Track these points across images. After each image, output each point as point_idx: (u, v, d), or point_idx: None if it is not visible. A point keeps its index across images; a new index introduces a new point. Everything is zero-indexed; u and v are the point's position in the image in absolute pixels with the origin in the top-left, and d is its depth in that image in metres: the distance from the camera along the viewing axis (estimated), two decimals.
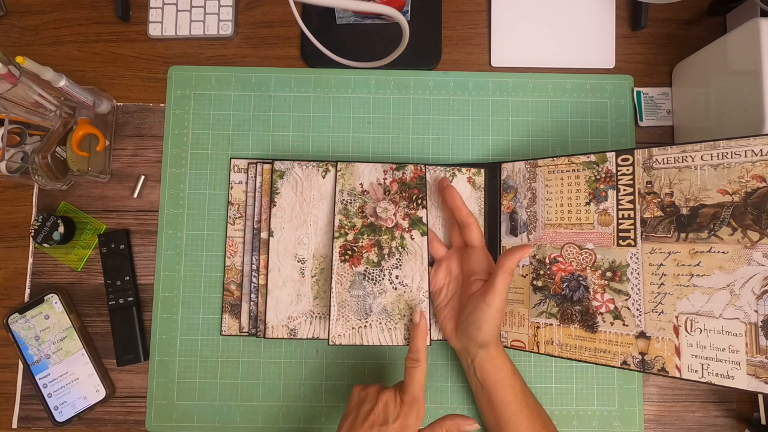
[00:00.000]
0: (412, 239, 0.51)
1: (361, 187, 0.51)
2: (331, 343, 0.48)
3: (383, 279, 0.50)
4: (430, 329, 0.51)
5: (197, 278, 0.54)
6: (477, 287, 0.47)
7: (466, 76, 0.57)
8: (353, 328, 0.49)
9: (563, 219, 0.49)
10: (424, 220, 0.51)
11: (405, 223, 0.51)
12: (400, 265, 0.50)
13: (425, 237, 0.51)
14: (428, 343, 0.48)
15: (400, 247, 0.50)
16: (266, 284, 0.51)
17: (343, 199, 0.51)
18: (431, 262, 0.52)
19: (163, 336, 0.53)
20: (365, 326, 0.49)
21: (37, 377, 0.51)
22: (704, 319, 0.40)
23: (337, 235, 0.50)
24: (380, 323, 0.49)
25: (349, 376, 0.53)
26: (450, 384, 0.53)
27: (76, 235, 0.54)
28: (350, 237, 0.50)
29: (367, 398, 0.44)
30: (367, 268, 0.50)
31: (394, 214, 0.51)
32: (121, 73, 0.58)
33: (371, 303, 0.50)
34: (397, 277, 0.50)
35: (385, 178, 0.52)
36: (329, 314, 0.49)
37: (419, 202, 0.51)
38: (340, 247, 0.50)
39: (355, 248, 0.50)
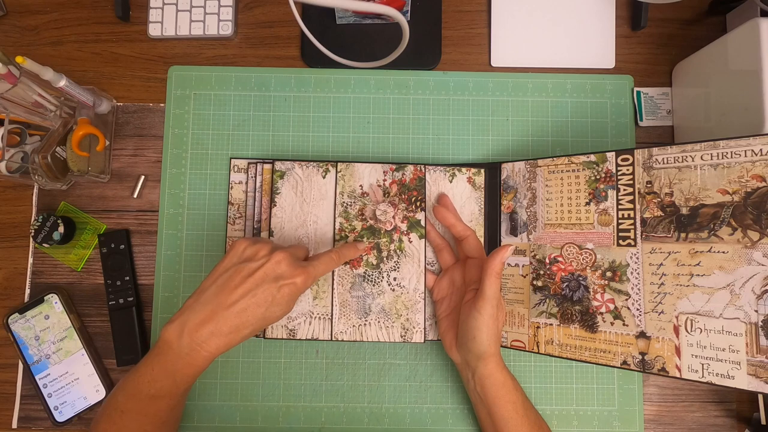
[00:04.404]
0: (410, 242, 0.51)
1: (361, 189, 0.52)
2: (333, 339, 0.50)
3: (382, 281, 0.51)
4: (426, 330, 0.51)
5: (197, 278, 0.54)
6: (471, 296, 0.47)
7: (466, 76, 0.57)
8: (354, 326, 0.50)
9: (563, 219, 0.49)
10: (422, 222, 0.51)
11: (403, 226, 0.51)
12: (398, 268, 0.51)
13: (423, 240, 0.51)
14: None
15: (398, 250, 0.51)
16: None
17: (344, 202, 0.51)
18: (435, 274, 0.52)
19: None
20: (365, 324, 0.50)
21: (37, 377, 0.51)
22: (704, 319, 0.40)
23: (337, 238, 0.51)
24: (378, 322, 0.50)
25: (349, 375, 0.53)
26: (450, 384, 0.53)
27: (76, 235, 0.54)
28: (350, 240, 0.51)
29: (256, 256, 0.41)
30: (366, 270, 0.51)
31: (393, 217, 0.51)
32: (121, 73, 0.58)
33: (370, 303, 0.51)
34: (395, 279, 0.51)
35: (384, 179, 0.52)
36: (332, 313, 0.50)
37: (418, 204, 0.52)
38: None
39: None
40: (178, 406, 0.43)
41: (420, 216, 0.52)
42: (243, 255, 0.42)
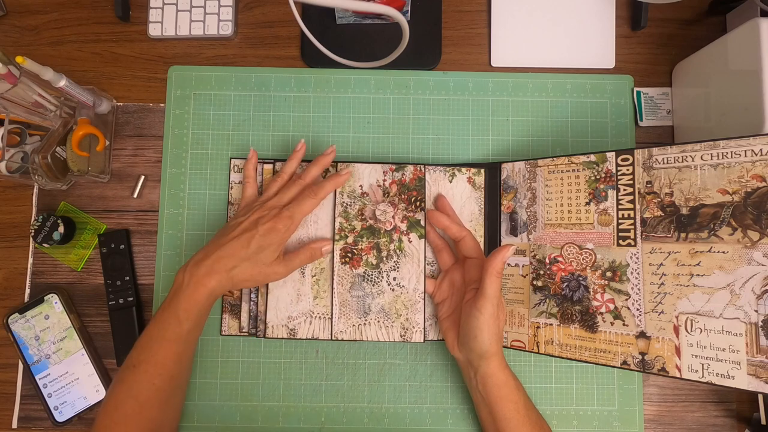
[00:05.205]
0: (410, 242, 0.51)
1: (361, 189, 0.52)
2: (333, 338, 0.50)
3: (381, 281, 0.51)
4: (425, 330, 0.51)
5: None
6: (471, 295, 0.47)
7: (466, 76, 0.57)
8: (353, 325, 0.51)
9: (563, 219, 0.49)
10: (422, 222, 0.51)
11: (403, 226, 0.51)
12: (398, 268, 0.51)
13: (423, 240, 0.51)
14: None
15: (398, 250, 0.51)
16: (266, 284, 0.51)
17: (343, 202, 0.51)
18: (434, 273, 0.52)
19: None
20: (364, 324, 0.51)
21: (37, 377, 0.51)
22: (704, 319, 0.40)
23: (337, 238, 0.51)
24: (378, 321, 0.51)
25: (349, 375, 0.53)
26: (450, 384, 0.53)
27: (76, 235, 0.54)
28: (350, 240, 0.51)
29: (246, 210, 0.48)
30: (366, 270, 0.51)
31: (393, 217, 0.51)
32: (121, 73, 0.58)
33: (370, 303, 0.51)
34: (394, 279, 0.51)
35: (384, 180, 0.52)
36: (332, 313, 0.50)
37: (417, 204, 0.52)
38: (341, 250, 0.51)
39: (354, 251, 0.51)
40: (184, 357, 0.45)
41: (420, 216, 0.52)
42: (241, 216, 0.48)
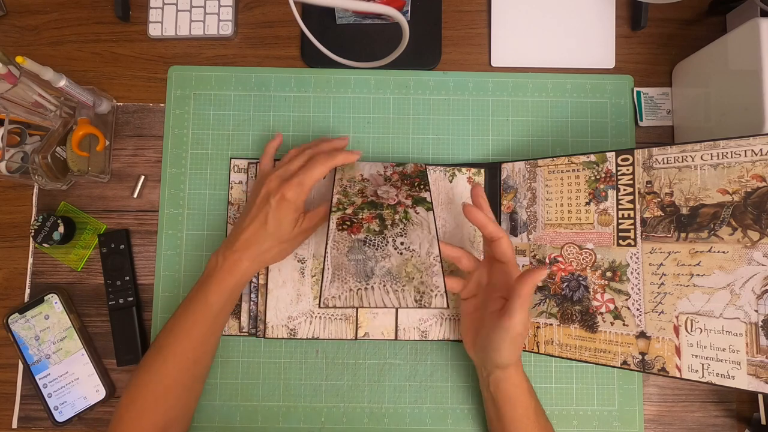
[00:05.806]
0: (417, 213, 0.46)
1: (361, 176, 0.50)
2: (323, 305, 0.41)
3: (386, 245, 0.43)
4: (446, 295, 0.45)
5: (197, 278, 0.54)
6: (498, 305, 0.44)
7: (466, 76, 0.57)
8: (351, 290, 0.42)
9: (563, 219, 0.49)
10: (428, 200, 0.47)
11: (408, 202, 0.47)
12: (405, 234, 0.44)
13: (431, 212, 0.46)
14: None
15: (404, 219, 0.45)
16: (266, 284, 0.51)
17: (343, 184, 0.48)
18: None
19: None
20: (365, 288, 0.42)
21: (37, 377, 0.51)
22: (704, 319, 0.40)
23: (335, 209, 0.45)
24: (384, 285, 0.42)
25: (349, 375, 0.53)
26: (450, 384, 0.53)
27: (76, 235, 0.54)
28: (349, 211, 0.45)
29: (259, 186, 0.47)
30: (367, 235, 0.44)
31: (396, 195, 0.47)
32: (121, 73, 0.58)
33: (373, 266, 0.42)
34: (402, 243, 0.44)
35: (385, 171, 0.51)
36: (322, 276, 0.42)
37: (422, 187, 0.49)
38: (338, 219, 0.45)
39: (354, 219, 0.45)
40: (209, 341, 0.46)
41: (425, 195, 0.47)
42: (255, 193, 0.48)
